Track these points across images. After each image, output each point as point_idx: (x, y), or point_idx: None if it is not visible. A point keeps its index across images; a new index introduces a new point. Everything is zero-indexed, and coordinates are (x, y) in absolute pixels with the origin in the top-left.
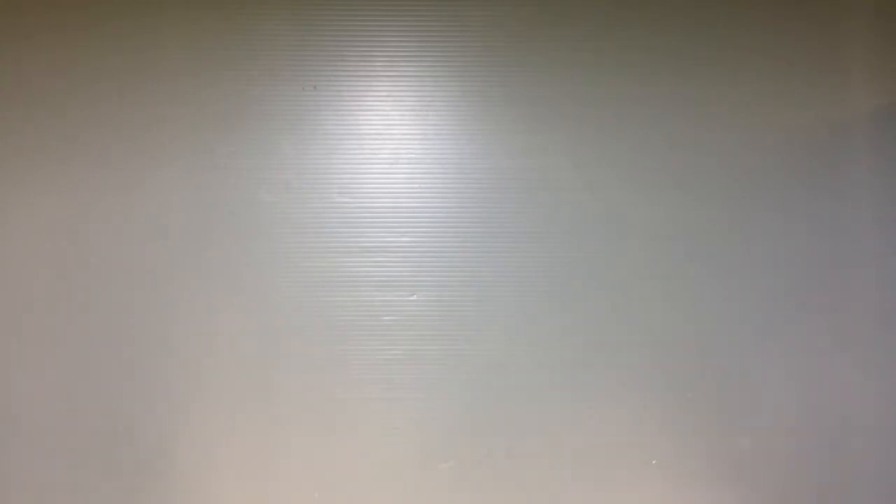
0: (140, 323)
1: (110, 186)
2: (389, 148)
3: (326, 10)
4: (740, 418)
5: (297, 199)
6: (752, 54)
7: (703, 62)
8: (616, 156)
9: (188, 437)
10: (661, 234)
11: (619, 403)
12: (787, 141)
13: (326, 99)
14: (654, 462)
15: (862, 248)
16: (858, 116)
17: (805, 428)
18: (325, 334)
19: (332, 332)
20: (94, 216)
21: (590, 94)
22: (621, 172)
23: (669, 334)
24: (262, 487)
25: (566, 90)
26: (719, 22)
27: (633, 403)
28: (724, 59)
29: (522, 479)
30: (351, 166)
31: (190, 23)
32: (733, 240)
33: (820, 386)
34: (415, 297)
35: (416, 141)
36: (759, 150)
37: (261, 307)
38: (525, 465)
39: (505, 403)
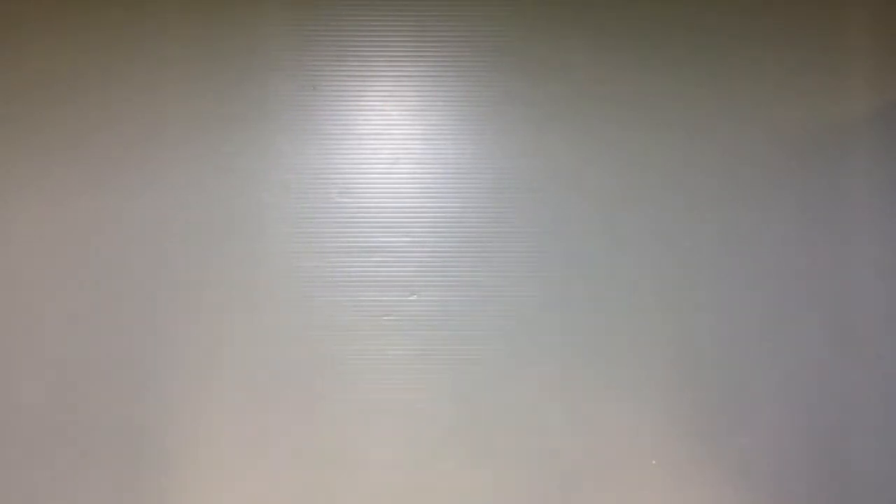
0: (140, 323)
1: (110, 187)
2: (389, 148)
3: (326, 10)
4: (740, 418)
5: (297, 199)
6: (751, 55)
7: (704, 64)
8: (616, 157)
9: (188, 436)
10: (660, 234)
11: (619, 404)
12: (787, 141)
13: (326, 99)
14: (653, 462)
15: (862, 248)
16: (858, 116)
17: (805, 428)
18: (325, 334)
19: (332, 332)
20: (93, 216)
21: (589, 95)
22: (621, 173)
23: (669, 334)
24: (261, 487)
25: (566, 91)
26: (719, 24)
27: (633, 404)
28: (724, 61)
29: (522, 478)
30: (351, 166)
31: (190, 23)
32: (733, 240)
33: (820, 386)
34: (415, 297)
35: (416, 141)
36: (759, 150)
37: (261, 307)
38: (525, 465)
39: (504, 403)
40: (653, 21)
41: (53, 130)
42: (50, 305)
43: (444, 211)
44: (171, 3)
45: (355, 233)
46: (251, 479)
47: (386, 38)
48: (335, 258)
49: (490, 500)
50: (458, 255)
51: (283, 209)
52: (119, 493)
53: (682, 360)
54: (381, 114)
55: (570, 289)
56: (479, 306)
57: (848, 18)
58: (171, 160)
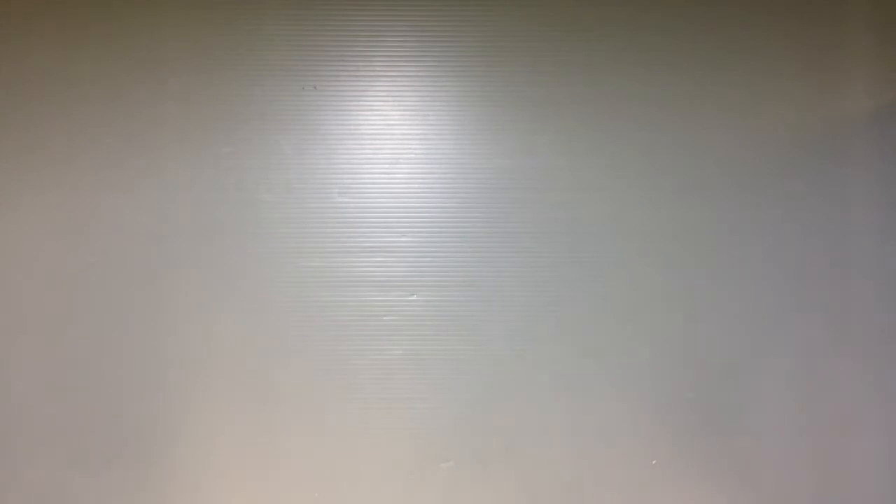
0: (140, 322)
1: (110, 186)
2: (389, 148)
3: (327, 10)
4: (740, 418)
5: (297, 199)
6: (752, 55)
7: (703, 63)
8: (615, 156)
9: (188, 436)
10: (660, 234)
11: (619, 403)
12: (787, 141)
13: (326, 99)
14: (653, 462)
15: (862, 248)
16: (858, 116)
17: (805, 428)
18: (325, 334)
19: (332, 332)
20: (93, 216)
21: (590, 94)
22: (620, 173)
23: (669, 334)
24: (261, 487)
25: (566, 90)
26: (719, 23)
27: (633, 403)
28: (724, 59)
29: (522, 479)
30: (351, 166)
31: (190, 23)
32: (733, 240)
33: (820, 386)
34: (415, 297)
35: (416, 141)
36: (759, 150)
37: (261, 307)
38: (525, 465)
39: (505, 403)
40: (653, 20)
41: (53, 129)
42: (49, 305)
43: (444, 211)
44: (171, 2)
45: (355, 233)
46: (251, 478)
47: (386, 38)
48: (335, 258)
49: (490, 500)
50: (458, 255)
51: (283, 209)
52: (119, 493)
53: (682, 359)
54: (381, 114)
55: (571, 288)
56: (478, 306)
57: (848, 18)
58: (170, 159)
